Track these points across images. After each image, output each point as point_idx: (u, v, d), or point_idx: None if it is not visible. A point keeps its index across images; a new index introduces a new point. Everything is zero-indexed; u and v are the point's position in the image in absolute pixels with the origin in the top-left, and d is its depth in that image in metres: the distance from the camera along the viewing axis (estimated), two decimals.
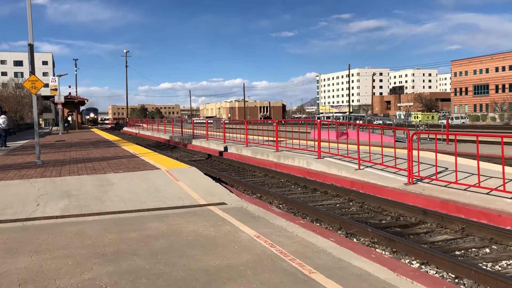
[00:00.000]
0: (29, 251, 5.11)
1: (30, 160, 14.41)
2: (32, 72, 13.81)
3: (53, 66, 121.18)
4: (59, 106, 37.75)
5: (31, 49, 13.95)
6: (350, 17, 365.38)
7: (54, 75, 40.82)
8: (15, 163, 13.62)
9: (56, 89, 37.01)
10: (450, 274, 5.19)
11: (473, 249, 6.14)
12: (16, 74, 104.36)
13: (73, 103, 49.00)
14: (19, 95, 68.00)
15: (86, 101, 55.13)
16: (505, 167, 8.40)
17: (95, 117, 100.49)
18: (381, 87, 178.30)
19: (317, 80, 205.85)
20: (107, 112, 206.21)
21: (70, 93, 53.60)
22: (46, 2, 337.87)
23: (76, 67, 76.12)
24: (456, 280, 5.03)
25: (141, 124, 56.08)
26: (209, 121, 30.37)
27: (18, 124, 52.52)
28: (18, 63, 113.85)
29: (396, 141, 12.60)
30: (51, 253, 5.02)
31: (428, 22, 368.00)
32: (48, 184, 9.42)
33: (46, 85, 30.46)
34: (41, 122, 62.28)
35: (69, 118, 48.36)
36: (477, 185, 8.42)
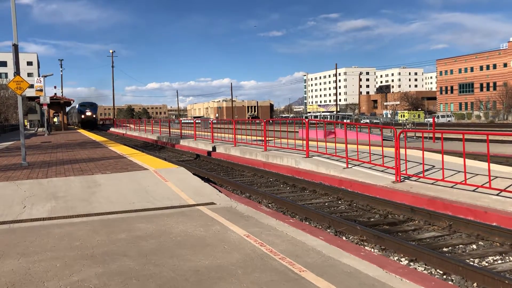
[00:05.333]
0: (16, 253, 5.04)
1: (15, 161, 14.22)
2: (17, 72, 13.61)
3: (38, 67, 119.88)
4: (45, 107, 37.34)
5: (16, 49, 13.74)
6: (338, 17, 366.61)
7: (39, 76, 40.31)
8: (0, 165, 13.42)
9: (41, 90, 36.55)
10: (438, 270, 5.25)
11: (460, 246, 6.22)
12: (0, 75, 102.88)
13: (58, 104, 48.54)
14: (3, 96, 67.09)
15: (72, 101, 54.62)
16: (491, 164, 8.52)
17: (93, 116, 64.57)
18: (368, 86, 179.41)
19: (305, 80, 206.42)
20: None
21: (55, 94, 52.85)
22: (32, 2, 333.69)
23: (61, 67, 75.02)
24: (444, 277, 5.09)
25: (128, 125, 55.76)
26: (197, 121, 30.26)
27: (3, 126, 51.84)
28: (2, 63, 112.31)
29: (384, 139, 12.68)
30: (38, 255, 4.96)
31: (415, 21, 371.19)
32: (34, 185, 9.30)
33: (31, 86, 30.15)
34: (26, 123, 61.38)
35: (55, 119, 47.84)
36: (464, 182, 8.52)
